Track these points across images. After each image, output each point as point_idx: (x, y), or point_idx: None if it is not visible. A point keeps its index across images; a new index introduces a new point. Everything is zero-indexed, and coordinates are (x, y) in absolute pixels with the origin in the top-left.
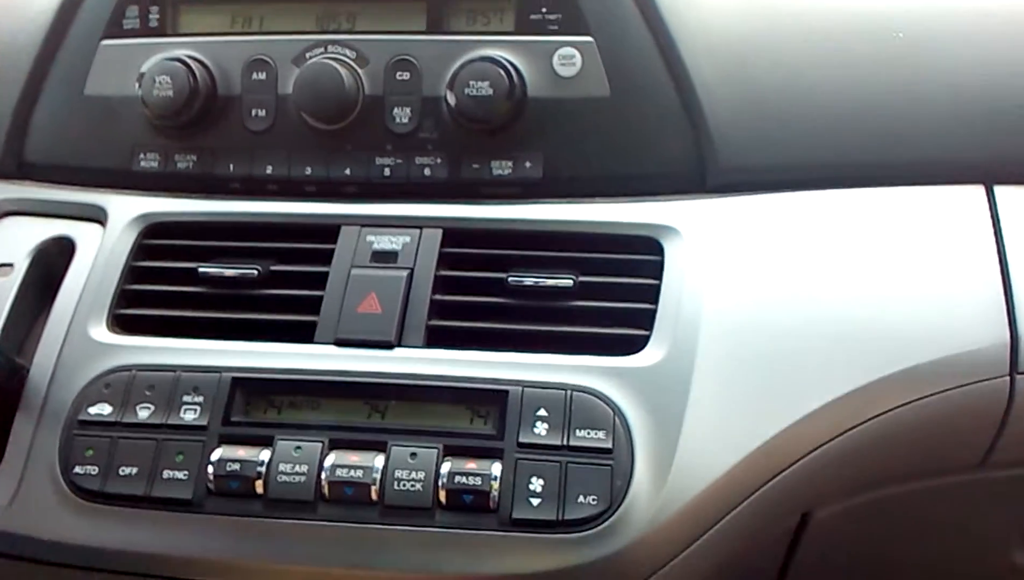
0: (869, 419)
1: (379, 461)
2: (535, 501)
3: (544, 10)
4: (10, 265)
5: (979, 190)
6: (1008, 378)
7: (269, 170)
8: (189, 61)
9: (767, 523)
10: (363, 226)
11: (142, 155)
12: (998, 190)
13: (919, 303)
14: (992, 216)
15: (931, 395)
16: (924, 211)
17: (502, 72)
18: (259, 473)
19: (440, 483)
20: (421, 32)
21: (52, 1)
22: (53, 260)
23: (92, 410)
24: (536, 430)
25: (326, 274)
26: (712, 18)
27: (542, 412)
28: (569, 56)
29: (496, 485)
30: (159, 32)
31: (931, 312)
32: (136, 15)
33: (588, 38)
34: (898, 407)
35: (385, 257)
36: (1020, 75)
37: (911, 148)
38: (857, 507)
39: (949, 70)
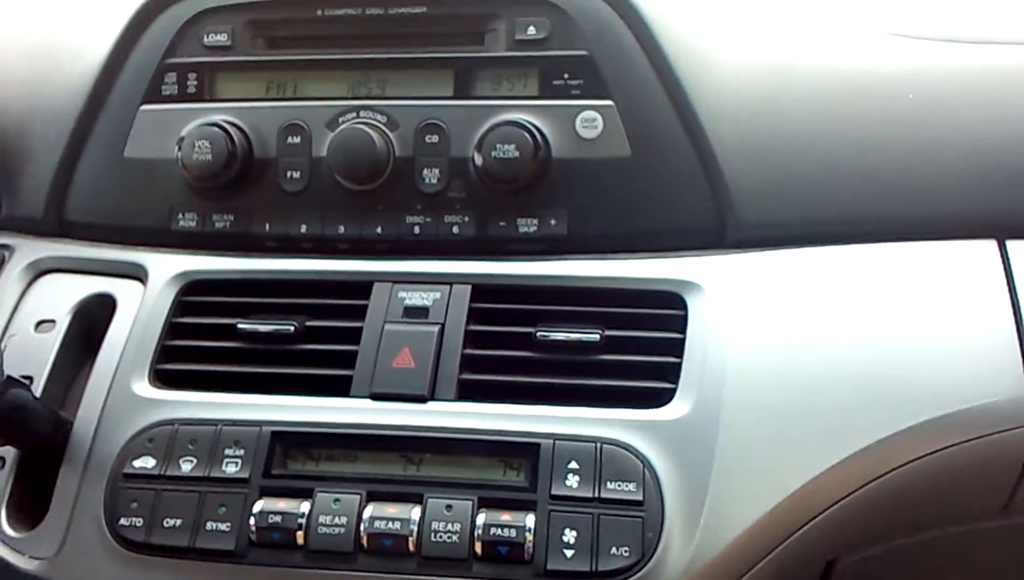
0: (892, 470)
1: (416, 513)
2: (569, 552)
3: (566, 76)
4: (52, 321)
5: (992, 245)
6: None
7: (304, 229)
8: (227, 126)
9: (794, 572)
10: (395, 282)
11: (180, 215)
12: (1010, 245)
13: (937, 355)
14: (1005, 269)
15: (952, 446)
16: (939, 265)
17: (527, 135)
18: (300, 524)
19: (476, 535)
20: (449, 97)
21: (93, 65)
22: (95, 317)
23: (136, 463)
24: (568, 482)
25: (360, 329)
26: (728, 79)
27: (573, 464)
28: (591, 119)
29: (530, 536)
30: (197, 98)
31: (950, 364)
32: (175, 81)
33: (609, 102)
34: (920, 458)
35: (417, 313)
36: None
37: (925, 204)
38: (882, 554)
39: (959, 128)
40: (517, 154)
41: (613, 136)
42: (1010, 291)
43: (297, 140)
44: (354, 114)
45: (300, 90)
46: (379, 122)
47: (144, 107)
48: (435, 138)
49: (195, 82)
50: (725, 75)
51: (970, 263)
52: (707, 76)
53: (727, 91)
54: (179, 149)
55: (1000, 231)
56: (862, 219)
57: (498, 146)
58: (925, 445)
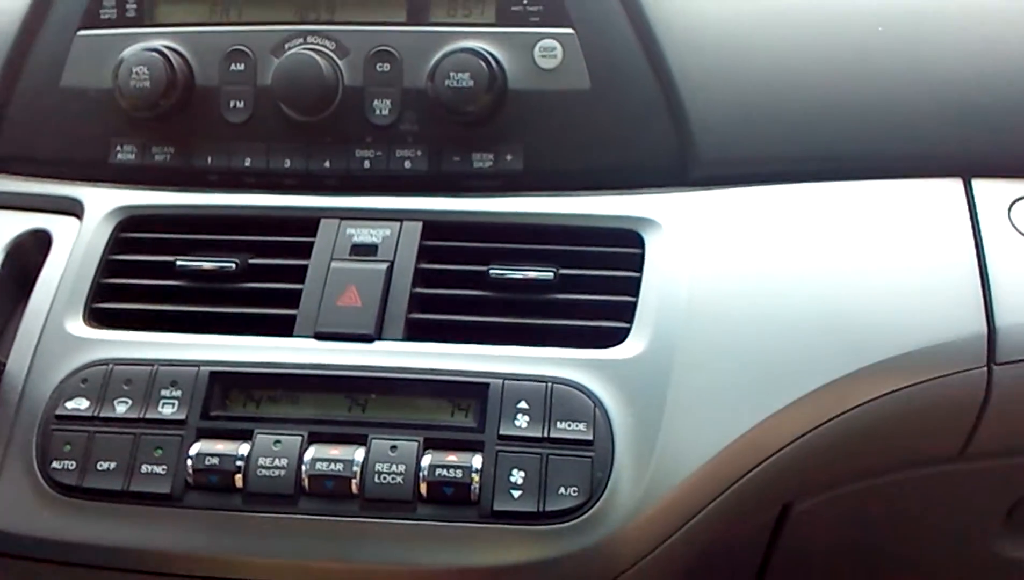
0: (847, 410)
1: (359, 454)
2: (516, 493)
3: (525, 2)
4: None
5: (957, 183)
6: (985, 369)
7: (248, 162)
8: (166, 52)
9: (747, 514)
10: (343, 219)
11: (119, 147)
12: (975, 183)
13: (897, 295)
14: (970, 209)
15: (909, 386)
16: (903, 204)
17: (483, 63)
18: (238, 467)
19: (421, 476)
20: (401, 23)
21: None
22: (29, 253)
23: (69, 405)
24: (517, 422)
25: (305, 267)
26: (694, 12)
27: (523, 405)
28: (550, 48)
29: (477, 477)
30: (137, 22)
31: (909, 304)
32: (113, 5)
33: (569, 30)
34: (876, 398)
35: (365, 250)
36: (998, 71)
37: (890, 142)
38: (837, 499)
39: (928, 65)
40: (472, 83)
41: (572, 67)
42: (974, 230)
43: (241, 67)
44: (301, 40)
45: (245, 15)
46: (327, 49)
47: (81, 32)
48: (386, 67)
49: (135, 6)
50: (691, 7)
51: (934, 201)
52: (672, 7)
53: (692, 24)
54: (116, 76)
55: (966, 169)
56: (826, 156)
57: (451, 75)
58: (881, 386)
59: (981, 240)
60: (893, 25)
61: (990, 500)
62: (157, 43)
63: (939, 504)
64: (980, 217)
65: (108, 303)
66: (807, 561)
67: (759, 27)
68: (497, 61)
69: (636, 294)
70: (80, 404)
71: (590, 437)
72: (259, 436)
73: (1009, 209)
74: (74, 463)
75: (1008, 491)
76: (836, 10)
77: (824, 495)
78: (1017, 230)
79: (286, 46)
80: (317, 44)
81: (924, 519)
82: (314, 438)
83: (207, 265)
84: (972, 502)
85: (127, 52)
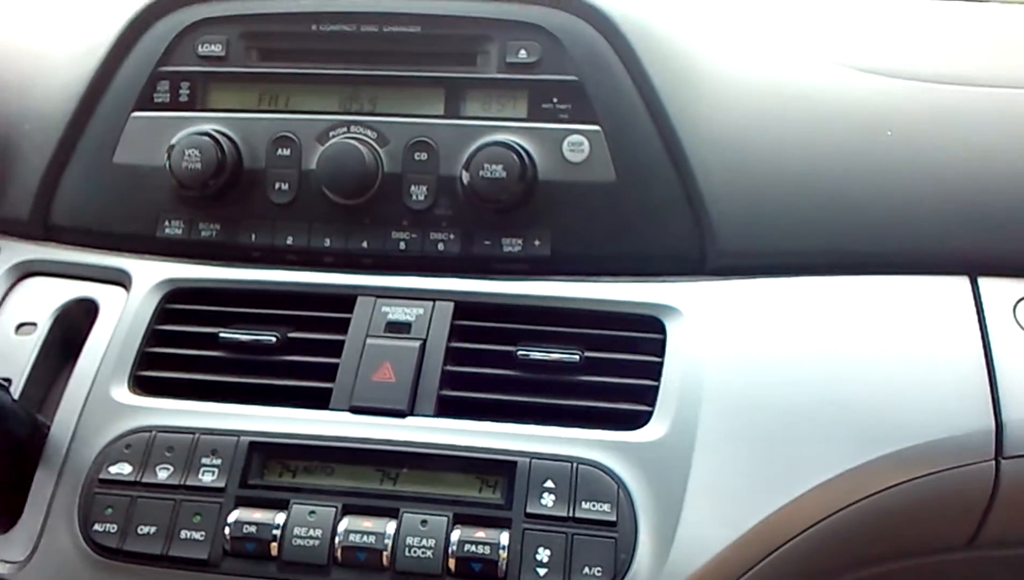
0: (861, 499)
1: (391, 527)
2: (542, 571)
3: (555, 100)
4: (33, 324)
5: (964, 281)
6: (993, 462)
7: (290, 241)
8: (217, 135)
9: None
10: (378, 297)
11: (167, 222)
12: (982, 281)
13: (907, 388)
14: (976, 305)
15: (920, 477)
16: (912, 299)
17: (515, 156)
18: (274, 535)
19: (450, 551)
20: (439, 116)
21: (86, 71)
22: (76, 321)
23: (112, 469)
24: (543, 501)
25: (342, 342)
26: (713, 108)
27: (549, 483)
28: (578, 143)
29: (504, 554)
30: (189, 107)
31: (919, 397)
32: (167, 89)
33: (596, 127)
34: (889, 488)
35: (399, 328)
36: (1003, 173)
37: (900, 239)
38: None
39: (935, 167)
40: (504, 174)
41: (599, 161)
42: (980, 326)
43: (287, 152)
44: (345, 129)
45: (292, 103)
46: (369, 138)
47: (135, 114)
48: (424, 156)
49: (187, 91)
50: (710, 104)
51: (942, 298)
52: (693, 105)
53: (712, 120)
54: (168, 157)
55: (972, 267)
56: (839, 251)
57: (486, 166)
58: (893, 476)
59: (988, 337)
60: (902, 128)
61: None
62: (208, 127)
63: None
64: (987, 314)
65: (152, 371)
66: None
67: (775, 125)
68: (528, 154)
69: (658, 378)
70: (123, 469)
71: (614, 518)
72: (295, 506)
73: (1015, 307)
74: (116, 526)
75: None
76: (848, 113)
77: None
78: (1022, 327)
79: (330, 134)
80: (359, 133)
81: None
82: (348, 510)
83: (247, 337)
84: None
85: (180, 135)
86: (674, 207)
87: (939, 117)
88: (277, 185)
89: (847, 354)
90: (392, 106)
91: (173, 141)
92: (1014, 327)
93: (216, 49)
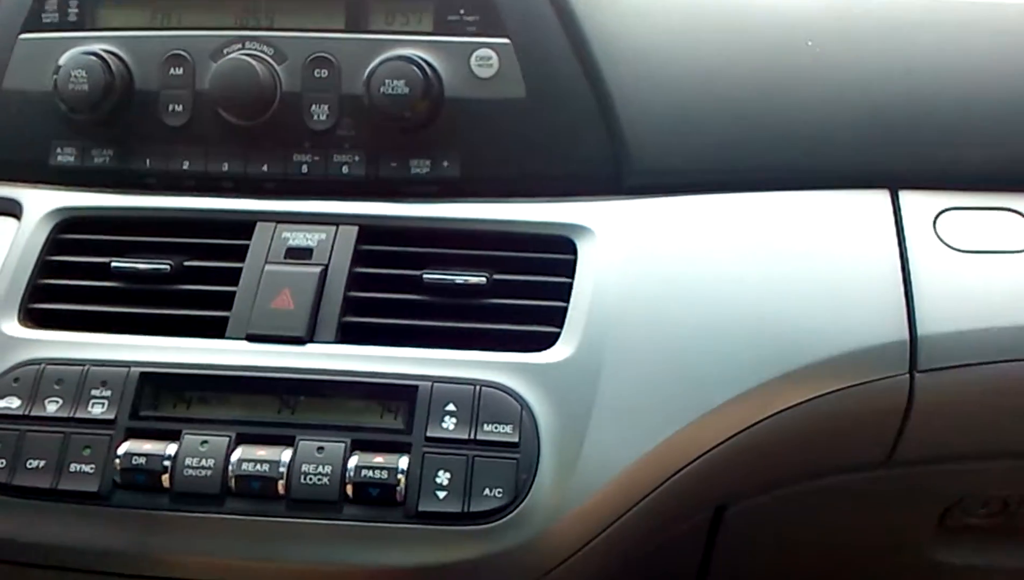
0: (772, 415)
1: (286, 455)
2: (441, 494)
3: (462, 11)
4: None
5: (884, 195)
6: (908, 376)
7: (186, 165)
8: (105, 55)
9: (677, 516)
10: (279, 222)
11: (59, 149)
12: (902, 194)
13: (822, 302)
14: (896, 220)
15: (832, 392)
16: (831, 214)
17: (418, 71)
18: (165, 467)
19: (347, 477)
20: (340, 30)
21: None
22: None
23: (1, 403)
24: (444, 424)
25: (240, 270)
26: (629, 23)
27: (451, 407)
28: (486, 57)
29: (403, 478)
30: (78, 26)
31: (833, 311)
32: (55, 9)
33: (505, 40)
34: (800, 403)
35: (300, 253)
36: (925, 84)
37: (820, 154)
38: (769, 503)
39: (856, 79)
40: (407, 90)
41: (509, 76)
42: (899, 240)
43: (180, 72)
44: (239, 45)
45: (185, 20)
46: (265, 54)
47: (23, 36)
48: (324, 73)
49: (76, 10)
50: (625, 16)
51: (861, 212)
52: (607, 17)
53: (627, 32)
54: (55, 79)
55: (893, 181)
56: (757, 167)
57: (387, 81)
58: (805, 390)
59: (906, 250)
60: (822, 39)
61: (921, 506)
62: (97, 47)
63: (871, 510)
64: (906, 228)
65: (43, 304)
66: (744, 565)
67: (691, 39)
68: (433, 69)
69: (567, 299)
70: (11, 403)
71: (516, 439)
72: (187, 436)
73: (935, 220)
74: (4, 461)
75: (938, 497)
76: (767, 24)
77: (756, 499)
78: (942, 241)
79: (224, 51)
80: (255, 49)
81: (857, 525)
82: (242, 439)
83: (141, 267)
84: (903, 508)
85: (66, 56)
86: (588, 124)
87: (859, 27)
88: (171, 107)
89: (760, 271)
90: (290, 21)
91: (60, 62)
92: (934, 240)
93: None
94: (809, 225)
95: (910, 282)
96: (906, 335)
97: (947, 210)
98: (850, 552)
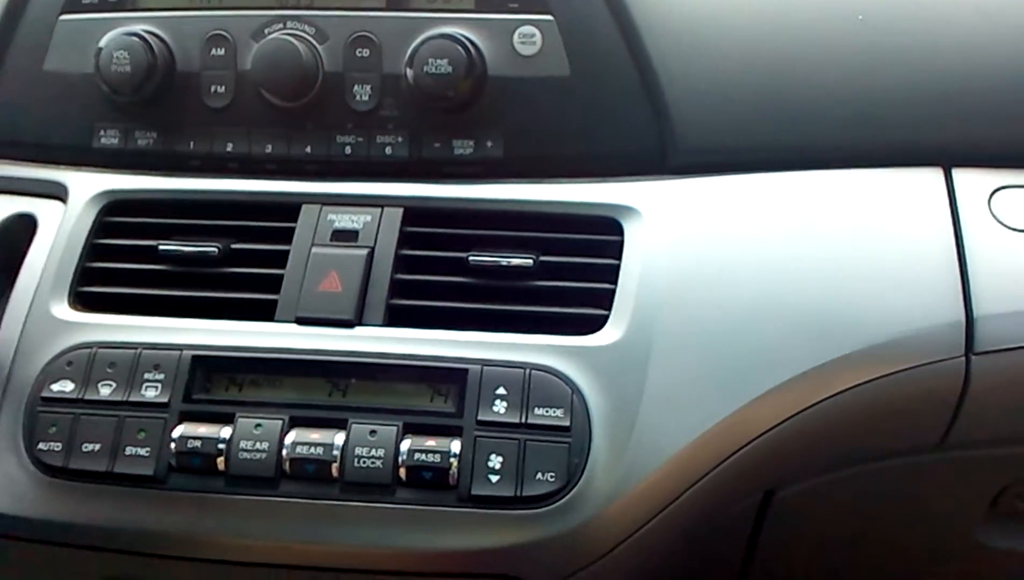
0: (826, 398)
1: (339, 438)
2: (494, 478)
3: None
4: None
5: (938, 173)
6: (964, 358)
7: (229, 148)
8: (147, 36)
9: (728, 500)
10: (324, 205)
11: (102, 132)
12: (956, 173)
13: (876, 284)
14: (950, 198)
15: (887, 375)
16: (883, 193)
17: (461, 49)
18: (220, 450)
19: (400, 460)
20: (381, 8)
21: None
22: (16, 237)
23: (55, 387)
24: (495, 408)
25: (287, 253)
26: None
27: (501, 390)
28: (529, 35)
29: (455, 462)
30: (118, 7)
31: (887, 293)
32: None
33: (548, 17)
34: (855, 386)
35: (346, 236)
36: (978, 60)
37: (870, 131)
38: (819, 486)
39: (908, 55)
40: (450, 70)
41: (552, 54)
42: (953, 220)
43: (221, 52)
44: (281, 25)
45: (226, 0)
46: (307, 34)
47: (64, 17)
48: (366, 52)
49: None
50: None
51: (914, 191)
52: None
53: (672, 11)
54: (97, 60)
55: (947, 158)
56: (806, 145)
57: (430, 61)
58: (860, 374)
59: (961, 230)
60: (873, 14)
61: (973, 489)
62: (138, 27)
63: (922, 493)
64: (960, 207)
65: (93, 287)
66: (791, 548)
67: (738, 15)
68: (476, 47)
69: (615, 281)
70: (65, 386)
71: (567, 423)
72: (240, 420)
73: (989, 199)
74: (60, 445)
75: (991, 481)
76: None
77: (806, 483)
78: (997, 220)
79: (266, 31)
80: (297, 29)
81: (908, 508)
82: (295, 422)
83: (189, 250)
84: (955, 491)
85: (107, 37)
86: (633, 102)
87: (912, 1)
88: (213, 88)
89: (812, 252)
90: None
91: (101, 44)
92: (988, 219)
93: None
94: (860, 204)
95: (965, 262)
96: (962, 317)
97: (1002, 188)
98: (897, 534)
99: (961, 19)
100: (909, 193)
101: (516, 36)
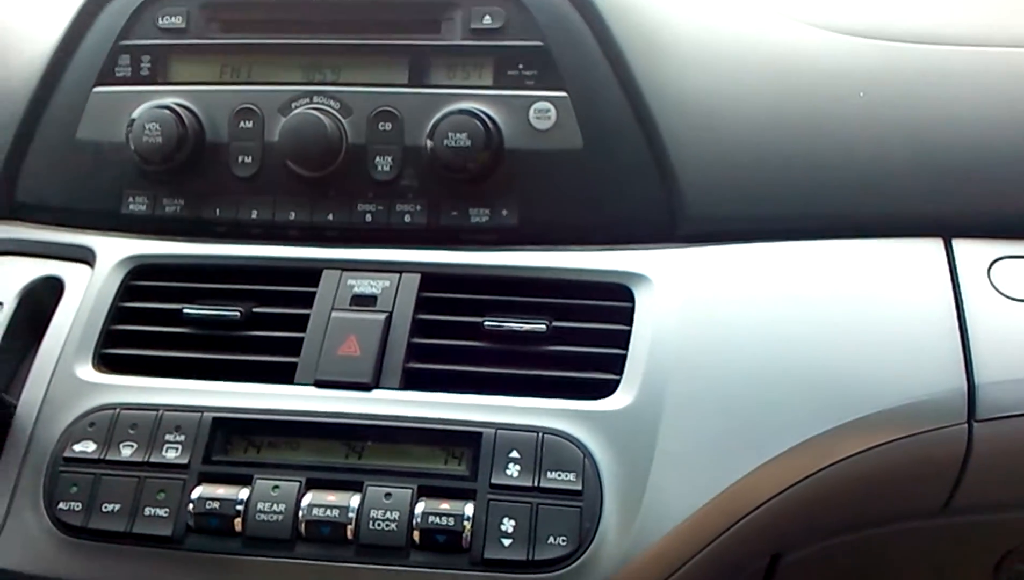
0: (831, 464)
1: (355, 501)
2: (506, 541)
3: (521, 66)
4: (0, 303)
5: (938, 243)
6: (966, 425)
7: (254, 215)
8: (178, 109)
9: (736, 565)
10: (344, 270)
11: (131, 198)
12: (956, 243)
13: (880, 352)
14: (950, 268)
15: (891, 442)
16: (886, 262)
17: (480, 124)
18: (238, 511)
19: (414, 523)
20: (403, 85)
21: (47, 47)
22: (42, 299)
23: (77, 447)
24: (508, 471)
25: (307, 317)
26: (682, 73)
27: (514, 454)
28: (544, 110)
29: (468, 525)
30: (150, 80)
31: (891, 361)
32: (128, 63)
33: (563, 93)
34: (859, 453)
35: (365, 301)
36: (974, 132)
37: (874, 202)
38: (826, 550)
39: (908, 128)
40: (469, 143)
41: (566, 127)
42: (954, 289)
43: (249, 124)
44: (307, 99)
45: (254, 75)
46: (332, 108)
47: (97, 89)
48: (388, 126)
49: (149, 65)
50: (678, 67)
51: (916, 261)
52: (660, 68)
53: (680, 84)
54: (129, 131)
55: (946, 229)
56: (810, 216)
57: (450, 135)
58: (864, 440)
59: (961, 299)
60: (873, 87)
61: (977, 554)
62: (169, 100)
63: (927, 557)
64: (960, 276)
65: (117, 349)
66: None
67: (743, 89)
68: (494, 122)
69: (626, 347)
70: (87, 447)
71: (579, 487)
72: (258, 481)
73: (989, 269)
74: (80, 504)
75: (994, 545)
76: (818, 73)
77: (813, 546)
78: (996, 289)
79: (293, 105)
80: (322, 104)
81: (913, 572)
82: (312, 484)
83: (212, 313)
84: (959, 556)
85: (140, 109)
86: (643, 173)
87: (911, 78)
88: (240, 158)
89: (817, 319)
90: (355, 76)
91: (134, 115)
92: (988, 289)
93: (176, 21)
94: (864, 273)
95: (966, 331)
96: (964, 384)
97: (1001, 258)
98: None
99: (956, 92)
100: (911, 263)
101: (532, 111)
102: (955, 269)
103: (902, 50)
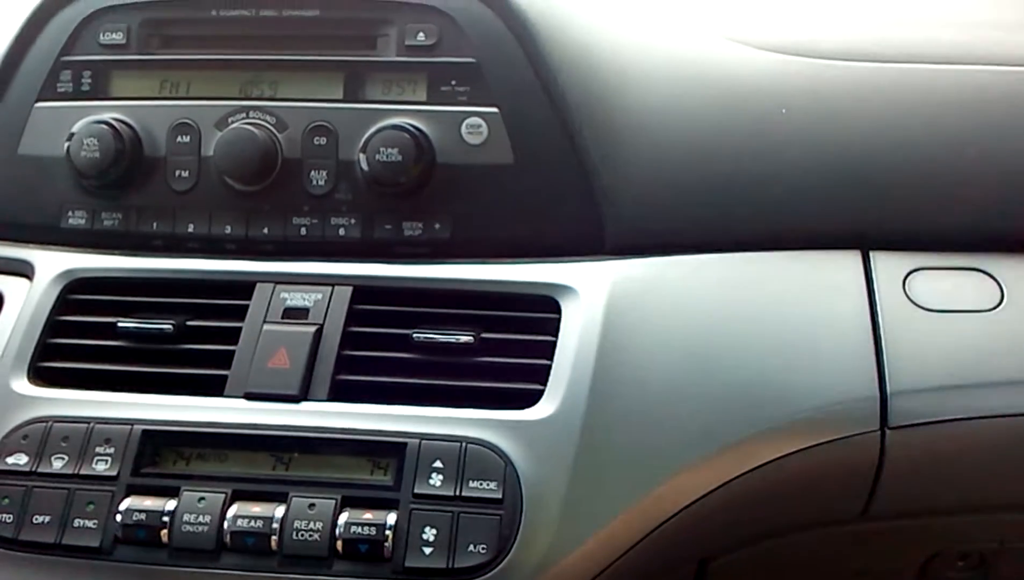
0: (749, 471)
1: (279, 511)
2: (427, 550)
3: (454, 82)
4: None
5: (856, 255)
6: (879, 432)
7: (191, 229)
8: (116, 124)
9: (660, 571)
10: (277, 283)
11: (70, 213)
12: (874, 255)
13: (795, 361)
14: (867, 279)
15: (806, 448)
16: (805, 274)
17: (411, 139)
18: (164, 523)
19: (337, 533)
20: (338, 100)
21: None
22: None
23: (10, 460)
24: (431, 481)
25: (239, 330)
26: (612, 90)
27: (438, 464)
28: (476, 125)
29: (391, 534)
30: (91, 96)
31: (806, 369)
32: (70, 79)
33: (494, 109)
34: (775, 460)
35: (297, 313)
36: (893, 148)
37: (794, 216)
38: (752, 555)
39: (829, 144)
40: (401, 158)
41: (497, 143)
42: (870, 300)
43: (187, 139)
44: (243, 114)
45: (192, 90)
46: (267, 123)
47: (39, 104)
48: (323, 140)
49: (90, 80)
50: (608, 84)
51: (833, 273)
52: (590, 85)
53: (609, 100)
54: (68, 146)
55: (864, 242)
56: (734, 229)
57: (382, 149)
58: (780, 447)
59: (877, 309)
60: (798, 106)
61: (902, 558)
62: (108, 115)
63: (852, 562)
64: (876, 287)
65: (52, 362)
66: None
67: (672, 106)
68: (426, 137)
69: (551, 357)
70: (20, 460)
71: (499, 495)
72: (185, 493)
73: (904, 280)
74: (11, 516)
75: (917, 549)
76: (746, 92)
77: (738, 552)
78: (911, 300)
79: (229, 120)
80: (258, 118)
81: (840, 575)
82: (238, 495)
83: (145, 326)
84: (884, 559)
85: (79, 124)
86: (572, 188)
87: (834, 94)
88: (177, 173)
89: (736, 330)
90: (292, 91)
91: (73, 130)
92: (903, 300)
93: (117, 37)
94: (782, 285)
95: (880, 341)
96: (876, 392)
97: (917, 270)
98: None
99: (881, 112)
100: (828, 275)
101: (464, 127)
102: (872, 280)
103: (826, 67)
